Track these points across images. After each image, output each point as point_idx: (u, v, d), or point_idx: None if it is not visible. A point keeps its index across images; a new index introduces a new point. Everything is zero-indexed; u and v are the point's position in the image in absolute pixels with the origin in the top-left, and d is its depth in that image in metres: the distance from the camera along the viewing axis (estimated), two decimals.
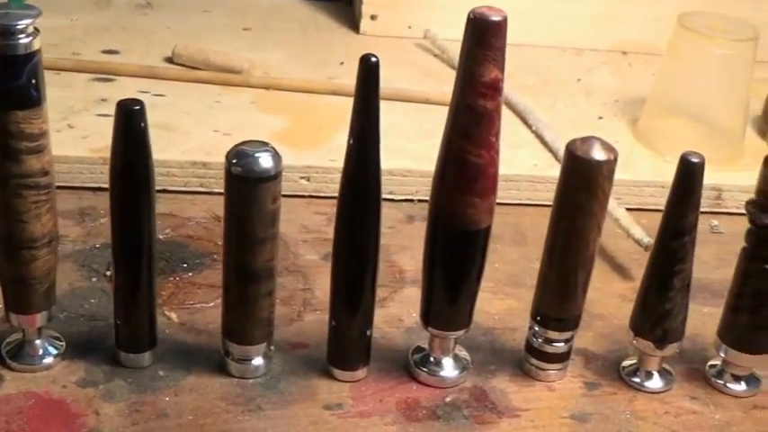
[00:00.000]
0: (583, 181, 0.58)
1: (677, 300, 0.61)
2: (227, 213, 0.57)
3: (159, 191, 0.76)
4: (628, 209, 0.80)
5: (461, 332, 0.62)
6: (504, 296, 0.72)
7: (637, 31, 1.10)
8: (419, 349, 0.64)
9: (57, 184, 0.58)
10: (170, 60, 0.97)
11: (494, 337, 0.68)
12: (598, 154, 0.57)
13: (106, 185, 0.57)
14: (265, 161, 0.55)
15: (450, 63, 1.01)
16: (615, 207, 0.78)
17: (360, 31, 1.09)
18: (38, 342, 0.61)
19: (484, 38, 0.53)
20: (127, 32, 1.03)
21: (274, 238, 0.58)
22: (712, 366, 0.66)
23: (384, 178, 0.57)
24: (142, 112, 0.55)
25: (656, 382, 0.64)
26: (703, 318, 0.70)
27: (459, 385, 0.63)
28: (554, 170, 0.61)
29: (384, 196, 0.58)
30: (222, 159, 0.56)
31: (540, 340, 0.63)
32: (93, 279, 0.69)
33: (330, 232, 0.59)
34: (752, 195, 0.62)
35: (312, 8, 1.16)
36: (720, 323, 0.65)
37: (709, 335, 0.67)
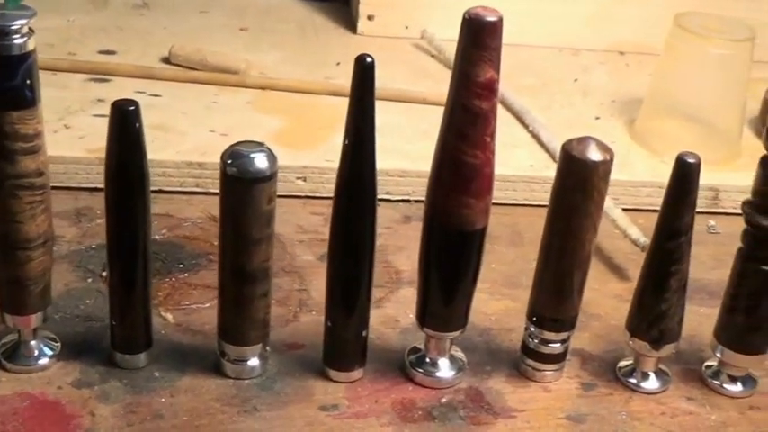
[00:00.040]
0: (579, 181, 0.58)
1: (673, 300, 0.61)
2: (223, 214, 0.57)
3: (155, 191, 0.76)
4: (625, 209, 0.80)
5: (457, 333, 0.62)
6: (501, 297, 0.72)
7: (634, 32, 1.10)
8: (415, 350, 0.64)
9: (53, 184, 0.58)
10: (167, 61, 0.97)
11: (490, 337, 0.68)
12: (594, 154, 0.57)
13: (102, 186, 0.57)
14: (260, 162, 0.55)
15: (448, 63, 1.01)
16: (612, 207, 0.78)
17: (357, 31, 1.09)
18: (33, 343, 0.61)
19: (479, 38, 0.53)
20: (123, 33, 1.03)
21: (270, 239, 0.58)
22: (709, 367, 0.66)
23: (381, 179, 0.57)
24: (137, 112, 0.55)
25: (652, 383, 0.64)
26: (700, 318, 0.70)
27: (454, 386, 0.63)
28: (551, 171, 0.61)
29: (381, 197, 0.58)
30: (218, 160, 0.56)
31: (536, 341, 0.63)
32: (89, 280, 0.69)
33: (326, 233, 0.59)
34: (749, 196, 0.62)
35: (309, 8, 1.16)
36: (717, 324, 0.65)
37: (706, 335, 0.67)
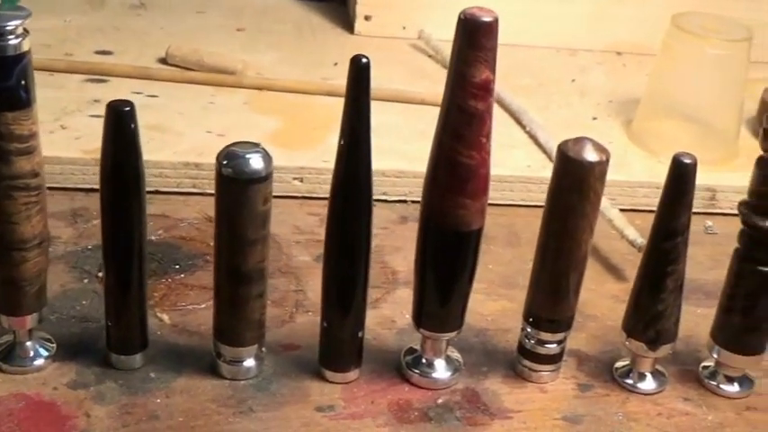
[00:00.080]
0: (575, 182, 0.57)
1: (670, 301, 0.61)
2: (218, 215, 0.57)
3: (152, 192, 0.76)
4: (621, 210, 0.80)
5: (453, 333, 0.62)
6: (497, 297, 0.72)
7: (631, 32, 1.09)
8: (411, 351, 0.64)
9: (49, 185, 0.59)
10: (163, 61, 0.96)
11: (486, 338, 0.68)
12: (590, 155, 0.57)
13: (98, 187, 0.57)
14: (256, 162, 0.55)
15: (445, 64, 1.01)
16: (609, 208, 0.78)
17: (354, 31, 1.09)
18: (28, 344, 0.61)
19: (475, 38, 0.53)
20: (120, 33, 1.03)
21: (265, 240, 0.58)
22: (705, 367, 0.66)
23: (377, 179, 0.57)
24: (132, 113, 0.55)
25: (648, 384, 0.64)
26: (697, 319, 0.69)
27: (451, 387, 0.63)
28: (548, 171, 0.61)
29: (377, 197, 0.58)
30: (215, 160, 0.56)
31: (532, 341, 0.63)
32: (85, 280, 0.69)
33: (323, 233, 0.59)
34: (746, 196, 0.62)
35: (306, 9, 1.16)
36: (713, 324, 0.65)
37: (703, 336, 0.66)
